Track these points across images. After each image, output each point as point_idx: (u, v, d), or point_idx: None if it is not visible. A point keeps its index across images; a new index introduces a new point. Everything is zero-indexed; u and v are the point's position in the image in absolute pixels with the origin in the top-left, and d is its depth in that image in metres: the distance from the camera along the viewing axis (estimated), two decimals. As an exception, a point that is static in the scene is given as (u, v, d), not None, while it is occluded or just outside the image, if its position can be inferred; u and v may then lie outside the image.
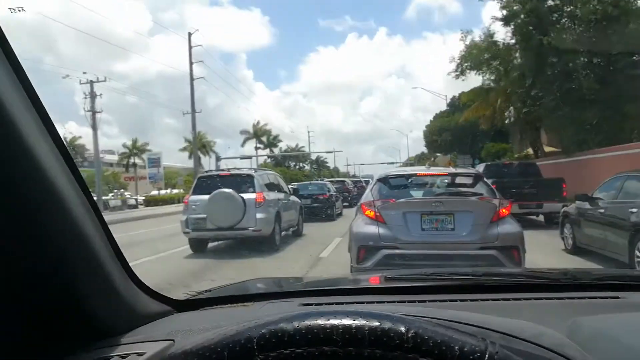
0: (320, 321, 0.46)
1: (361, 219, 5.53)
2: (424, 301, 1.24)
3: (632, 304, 1.21)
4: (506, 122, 29.24)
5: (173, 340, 0.89)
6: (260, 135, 76.09)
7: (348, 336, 0.44)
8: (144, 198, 41.26)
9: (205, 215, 9.58)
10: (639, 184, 7.12)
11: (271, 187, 11.12)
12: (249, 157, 58.04)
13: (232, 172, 11.08)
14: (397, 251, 5.10)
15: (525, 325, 0.80)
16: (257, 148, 75.44)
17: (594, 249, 7.83)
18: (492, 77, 26.30)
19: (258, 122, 77.46)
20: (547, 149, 27.73)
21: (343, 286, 1.56)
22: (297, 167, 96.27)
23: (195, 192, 10.20)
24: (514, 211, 11.05)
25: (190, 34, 36.21)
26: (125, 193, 48.31)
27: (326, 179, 28.71)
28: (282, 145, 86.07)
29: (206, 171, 13.48)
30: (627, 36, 18.19)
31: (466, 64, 25.40)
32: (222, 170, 13.92)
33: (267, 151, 76.75)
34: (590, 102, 19.13)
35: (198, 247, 10.07)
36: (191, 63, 36.49)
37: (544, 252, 8.65)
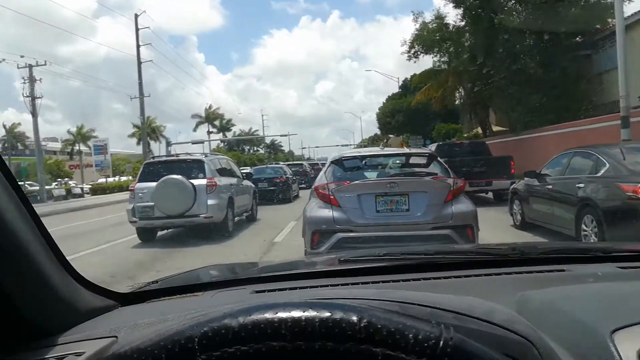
0: (268, 315, 0.44)
1: (315, 203, 5.34)
2: (378, 282, 1.24)
3: (576, 276, 1.25)
4: (456, 102, 29.85)
5: (116, 336, 0.84)
6: (213, 119, 74.81)
7: (297, 329, 0.42)
8: (90, 186, 39.61)
9: (152, 203, 9.17)
10: (584, 160, 7.20)
11: (223, 172, 10.79)
12: (201, 142, 57.09)
13: (181, 157, 10.65)
14: (352, 234, 4.98)
15: (476, 302, 0.81)
16: (209, 132, 74.13)
17: (542, 224, 7.95)
18: (444, 59, 26.63)
19: (210, 106, 76.16)
20: (495, 128, 28.46)
21: (296, 270, 1.53)
22: (252, 151, 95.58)
23: (141, 179, 9.72)
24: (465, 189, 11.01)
25: (136, 16, 35.01)
26: (70, 182, 46.31)
27: (282, 163, 29.34)
28: (236, 129, 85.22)
29: (153, 157, 12.89)
30: (571, 18, 18.73)
31: (418, 46, 25.57)
32: (171, 155, 13.54)
33: (220, 136, 75.72)
34: (536, 83, 19.64)
35: (146, 236, 9.65)
36: (138, 46, 35.26)
37: (494, 228, 8.74)
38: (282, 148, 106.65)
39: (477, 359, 0.43)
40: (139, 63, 35.20)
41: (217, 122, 76.12)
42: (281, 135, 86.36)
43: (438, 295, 0.86)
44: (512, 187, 9.87)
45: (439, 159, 5.91)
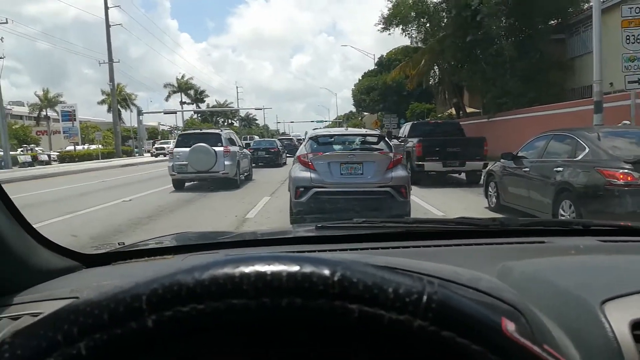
0: (228, 269, 0.38)
1: (298, 167, 7.18)
2: (357, 249, 1.23)
3: (557, 248, 1.27)
4: (430, 82, 29.82)
5: (77, 297, 0.81)
6: (186, 89, 73.51)
7: (261, 285, 0.37)
8: (57, 154, 38.47)
9: (186, 162, 12.60)
10: (563, 143, 7.12)
11: (232, 142, 14.08)
12: (174, 112, 56.24)
13: (204, 131, 15.43)
14: (323, 189, 6.80)
15: (461, 270, 0.80)
16: (182, 103, 72.97)
17: (518, 207, 7.85)
18: (420, 36, 26.49)
19: (183, 76, 74.72)
20: (468, 109, 28.67)
21: (272, 237, 1.51)
22: (226, 123, 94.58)
23: (177, 145, 13.40)
24: (438, 169, 12.03)
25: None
26: (37, 148, 44.87)
27: (275, 138, 38.65)
28: (211, 100, 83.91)
29: (184, 129, 16.36)
30: (546, 1, 18.77)
31: (394, 20, 25.38)
32: (197, 129, 19.41)
33: (193, 106, 74.51)
34: (511, 66, 19.91)
35: (179, 185, 13.00)
36: (107, 7, 34.00)
37: (469, 210, 8.70)
38: (257, 121, 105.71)
39: (464, 314, 0.38)
40: (108, 27, 34.18)
41: (190, 93, 74.81)
42: (256, 109, 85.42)
43: (421, 262, 0.85)
44: (488, 168, 9.87)
45: (386, 138, 8.04)
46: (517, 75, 19.81)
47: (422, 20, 25.07)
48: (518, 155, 8.22)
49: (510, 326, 0.39)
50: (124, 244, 1.39)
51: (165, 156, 30.10)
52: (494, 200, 8.87)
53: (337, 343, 0.38)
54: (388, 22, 25.88)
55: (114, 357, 0.36)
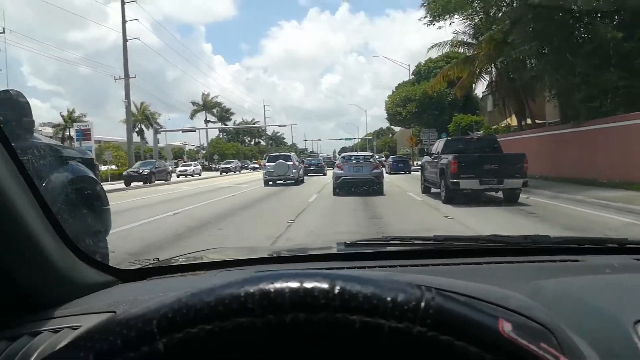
0: (233, 290, 0.41)
1: (336, 169, 16.30)
2: (386, 267, 1.25)
3: (591, 267, 1.25)
4: (486, 88, 25.55)
5: (114, 312, 0.85)
6: (211, 107, 71.34)
7: (266, 302, 0.39)
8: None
9: (273, 170, 22.22)
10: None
11: (294, 158, 24.80)
12: (192, 130, 54.23)
13: (281, 153, 24.89)
14: (346, 178, 15.53)
15: (491, 289, 0.80)
16: (207, 121, 70.73)
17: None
18: (471, 27, 22.28)
19: (208, 94, 72.79)
20: (528, 120, 24.35)
21: (301, 253, 1.57)
22: (253, 142, 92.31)
23: (268, 161, 23.47)
24: (475, 187, 11.73)
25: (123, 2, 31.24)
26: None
27: (321, 156, 53.56)
28: (237, 118, 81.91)
29: (277, 154, 25.11)
30: None
31: (443, 9, 21.04)
32: (278, 153, 27.08)
33: (218, 125, 72.36)
34: (615, 56, 14.64)
35: (268, 183, 22.33)
36: (124, 21, 31.66)
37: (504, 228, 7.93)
38: (284, 140, 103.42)
39: (461, 318, 0.40)
40: (125, 40, 31.87)
41: (216, 111, 72.65)
42: (279, 125, 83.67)
43: (451, 281, 0.83)
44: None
45: (374, 155, 22.10)
46: (622, 68, 14.31)
47: (475, 5, 20.16)
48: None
49: (507, 327, 0.40)
50: (158, 259, 1.45)
51: (185, 176, 39.48)
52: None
53: (341, 354, 0.40)
54: (435, 10, 21.43)
55: None
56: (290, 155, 23.77)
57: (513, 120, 26.59)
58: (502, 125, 26.77)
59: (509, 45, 17.79)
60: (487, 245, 1.45)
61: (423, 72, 41.35)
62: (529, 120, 24.03)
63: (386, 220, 9.23)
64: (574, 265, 1.26)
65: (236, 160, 59.83)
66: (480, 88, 29.70)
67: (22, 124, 2.43)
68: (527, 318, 0.63)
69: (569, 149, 17.10)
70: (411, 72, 44.36)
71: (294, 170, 22.33)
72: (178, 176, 38.86)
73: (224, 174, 46.59)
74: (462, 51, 25.94)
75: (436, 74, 29.58)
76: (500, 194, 12.55)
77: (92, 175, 3.37)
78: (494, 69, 24.06)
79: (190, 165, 45.91)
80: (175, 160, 54.97)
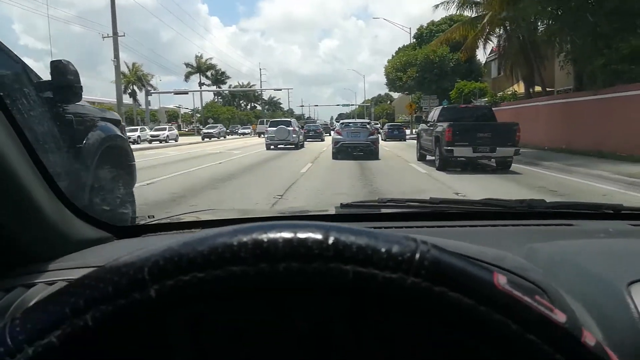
0: (226, 239, 0.40)
1: (335, 134, 17.38)
2: (380, 228, 1.23)
3: (585, 231, 1.26)
4: (489, 53, 24.10)
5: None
6: (205, 69, 69.29)
7: (259, 251, 0.39)
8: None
9: (274, 135, 23.45)
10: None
11: (295, 124, 25.57)
12: (185, 92, 52.66)
13: (283, 119, 27.99)
14: (344, 142, 16.41)
15: (487, 249, 0.80)
16: (201, 84, 68.83)
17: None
18: None
19: (201, 56, 70.61)
20: (537, 88, 23.00)
21: (297, 213, 1.58)
22: (249, 107, 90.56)
23: (270, 126, 24.74)
24: (468, 155, 11.97)
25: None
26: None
27: (319, 122, 55.73)
28: (233, 82, 79.84)
29: (278, 119, 27.51)
30: None
31: None
32: (280, 119, 29.00)
33: (213, 88, 70.55)
34: (636, 18, 13.11)
35: (269, 148, 23.12)
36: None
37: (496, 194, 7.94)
38: (281, 105, 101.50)
39: (456, 270, 0.40)
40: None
41: (210, 74, 70.66)
42: (275, 89, 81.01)
43: (446, 241, 0.84)
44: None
45: (371, 122, 24.61)
46: None
47: None
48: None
49: (502, 280, 0.40)
50: (153, 217, 1.42)
51: (160, 142, 34.82)
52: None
53: (334, 306, 0.41)
54: None
55: (119, 327, 0.39)
56: (290, 121, 24.88)
57: (520, 88, 25.19)
58: (508, 92, 25.21)
59: (521, 3, 16.26)
60: (483, 209, 1.46)
61: (425, 36, 39.57)
62: (537, 88, 22.69)
63: (379, 184, 9.70)
64: (569, 229, 1.28)
65: (219, 125, 52.86)
66: (484, 53, 28.11)
67: (72, 89, 2.81)
68: (521, 277, 0.62)
69: (585, 119, 15.66)
70: (412, 35, 42.58)
71: (294, 136, 23.49)
72: (150, 142, 34.30)
73: (206, 139, 41.05)
74: (467, 14, 24.45)
75: (439, 38, 28.03)
76: (493, 162, 12.87)
77: (120, 134, 3.86)
78: (502, 32, 22.60)
79: (165, 129, 38.62)
80: (158, 125, 48.86)
